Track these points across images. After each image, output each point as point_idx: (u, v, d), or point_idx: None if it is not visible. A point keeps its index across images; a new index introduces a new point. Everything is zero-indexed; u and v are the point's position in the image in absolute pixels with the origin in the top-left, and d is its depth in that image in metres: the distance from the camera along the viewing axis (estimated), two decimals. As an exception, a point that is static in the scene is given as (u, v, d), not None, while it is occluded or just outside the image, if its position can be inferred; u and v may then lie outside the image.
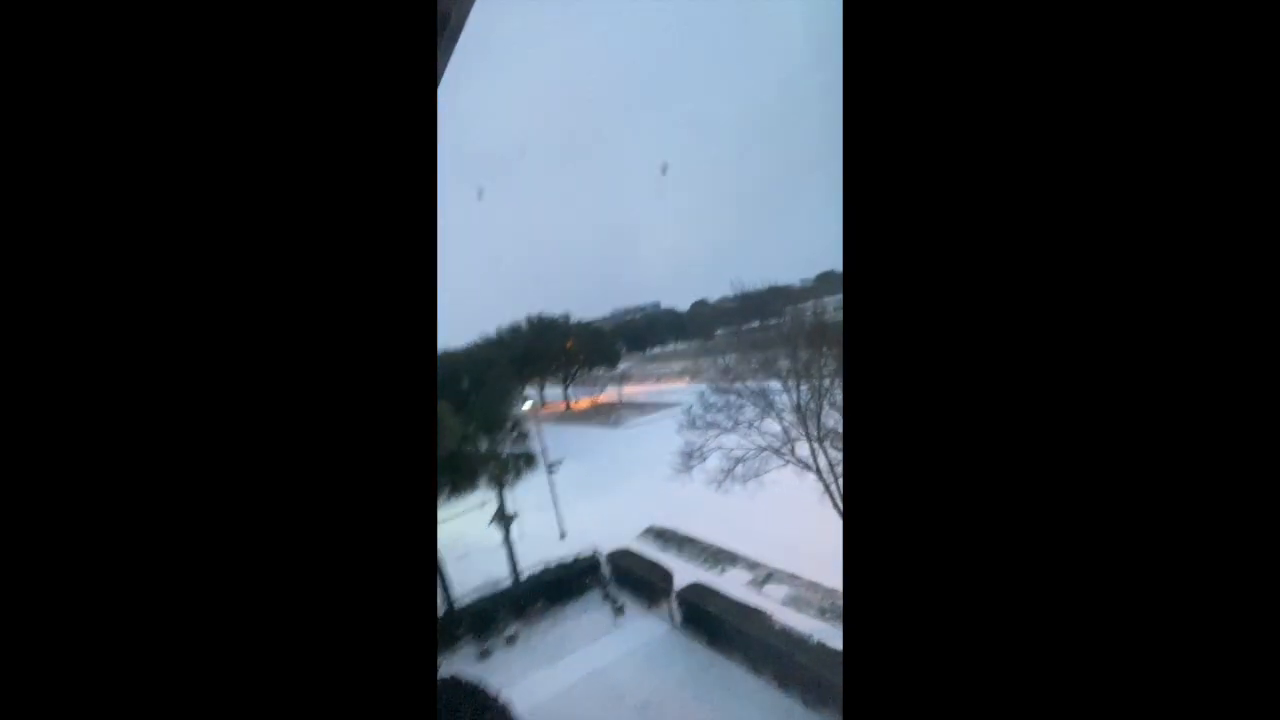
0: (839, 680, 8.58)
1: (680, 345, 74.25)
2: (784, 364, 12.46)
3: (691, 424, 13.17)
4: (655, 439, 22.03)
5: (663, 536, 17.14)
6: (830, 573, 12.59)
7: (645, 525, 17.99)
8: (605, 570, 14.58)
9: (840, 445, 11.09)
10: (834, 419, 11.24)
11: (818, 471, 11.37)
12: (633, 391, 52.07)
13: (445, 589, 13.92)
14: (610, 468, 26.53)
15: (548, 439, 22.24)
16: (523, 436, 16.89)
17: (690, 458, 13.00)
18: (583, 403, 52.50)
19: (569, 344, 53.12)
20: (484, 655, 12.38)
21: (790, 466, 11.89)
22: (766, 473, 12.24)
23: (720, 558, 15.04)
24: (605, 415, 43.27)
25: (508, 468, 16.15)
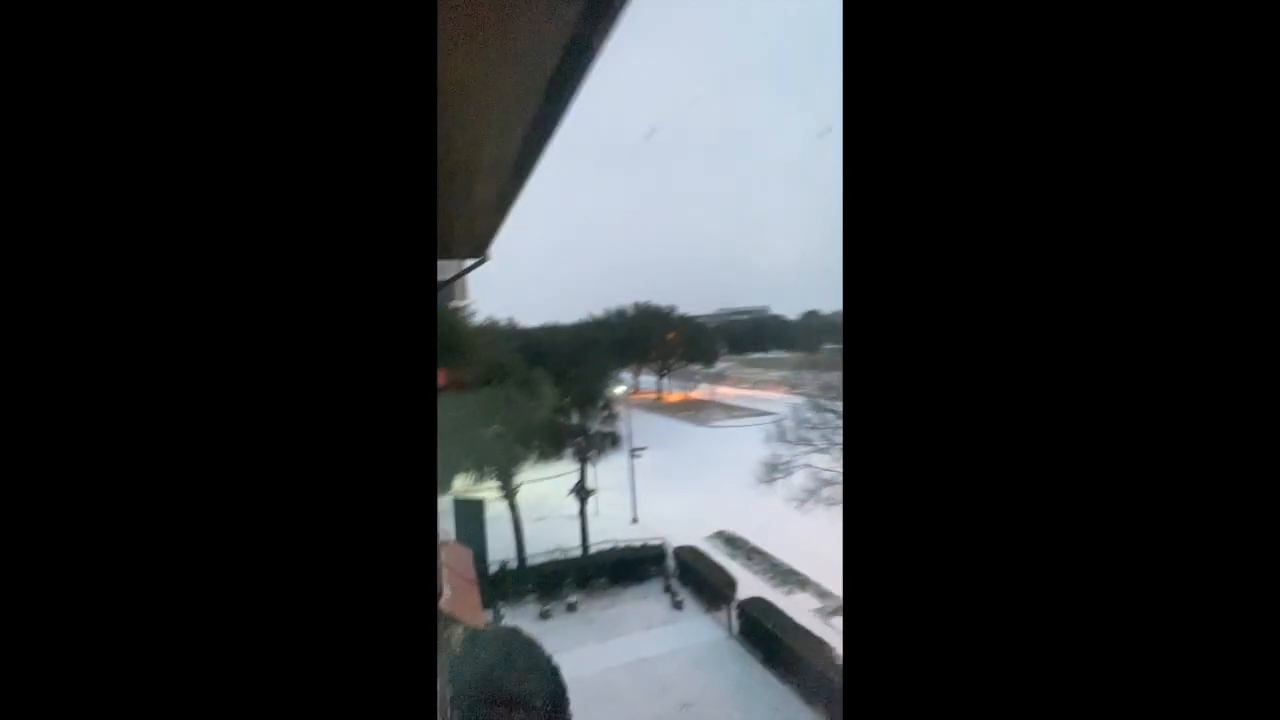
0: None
1: (783, 354, 71.94)
2: (894, 391, 11.64)
3: (781, 436, 12.76)
4: (741, 444, 21.61)
5: (732, 543, 16.83)
6: (908, 621, 11.65)
7: (716, 528, 17.77)
8: (670, 563, 14.62)
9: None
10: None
11: (913, 511, 10.54)
12: (726, 393, 51.38)
13: (520, 545, 14.72)
14: (692, 464, 26.44)
15: (635, 424, 22.61)
16: (612, 417, 17.33)
17: (775, 470, 12.63)
18: (675, 395, 52.70)
19: (671, 336, 53.43)
20: (544, 615, 12.96)
21: (882, 500, 11.13)
22: (855, 501, 11.57)
23: (790, 578, 14.49)
24: (695, 411, 43.11)
25: (594, 444, 16.65)
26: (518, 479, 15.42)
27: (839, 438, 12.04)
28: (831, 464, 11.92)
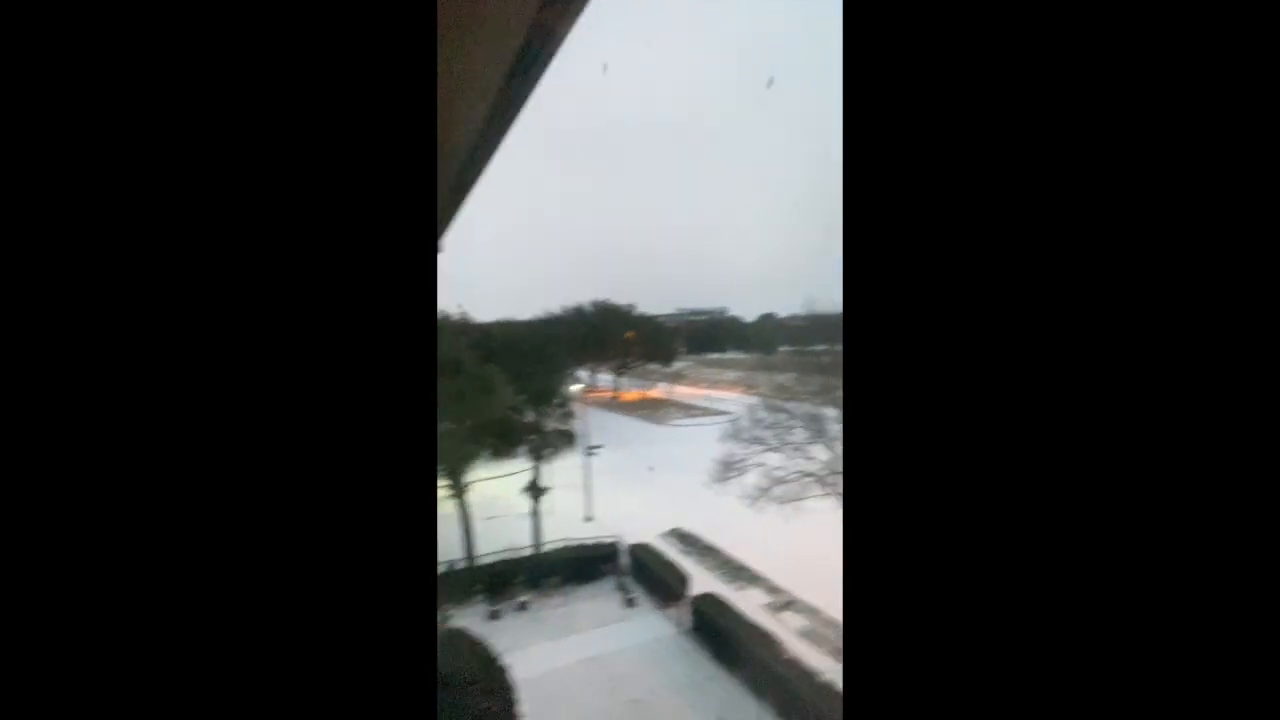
0: (841, 726, 8.26)
1: (739, 355, 73.26)
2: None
3: (737, 435, 12.96)
4: (697, 443, 21.86)
5: (686, 540, 17.02)
6: (852, 615, 12.08)
7: (670, 525, 17.92)
8: (624, 560, 14.65)
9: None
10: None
11: (859, 509, 10.93)
12: (683, 392, 51.92)
13: (469, 544, 14.41)
14: (647, 462, 26.58)
15: (591, 422, 22.53)
16: (568, 415, 17.20)
17: (729, 468, 12.82)
18: (632, 394, 52.85)
19: (629, 335, 53.55)
20: (494, 616, 12.74)
21: (832, 498, 11.49)
22: (805, 499, 11.89)
23: (741, 574, 14.77)
24: (652, 410, 43.38)
25: (549, 442, 16.48)
26: (469, 477, 15.08)
27: (791, 437, 12.34)
28: (784, 463, 12.20)
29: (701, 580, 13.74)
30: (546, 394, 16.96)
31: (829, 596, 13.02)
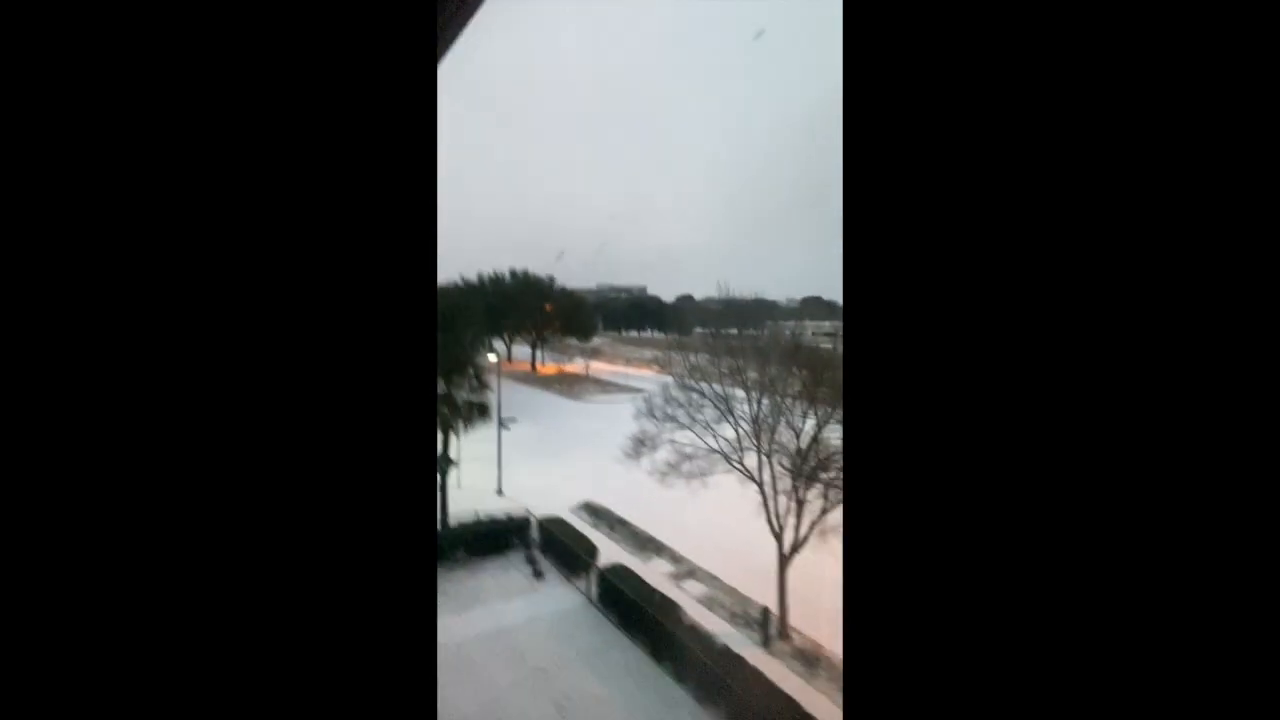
0: (733, 682, 8.88)
1: (656, 334, 74.37)
2: (752, 375, 12.63)
3: (650, 412, 13.27)
4: (611, 419, 22.12)
5: (597, 513, 17.30)
6: (751, 582, 12.93)
7: (582, 499, 18.12)
8: (534, 533, 14.66)
9: (787, 464, 11.36)
10: (787, 436, 11.49)
11: (759, 484, 11.63)
12: (600, 369, 52.03)
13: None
14: (561, 437, 26.53)
15: (506, 394, 22.07)
16: (482, 387, 16.72)
17: (642, 444, 13.13)
18: (549, 368, 52.21)
19: (548, 307, 52.60)
20: (395, 591, 12.34)
21: (736, 474, 12.13)
22: (711, 475, 12.46)
23: (648, 545, 15.29)
24: (568, 385, 43.16)
25: (460, 414, 15.98)
26: (372, 448, 14.32)
27: (701, 415, 12.81)
28: (693, 439, 12.67)
29: (610, 552, 14.06)
30: (459, 364, 16.37)
31: (728, 566, 13.82)
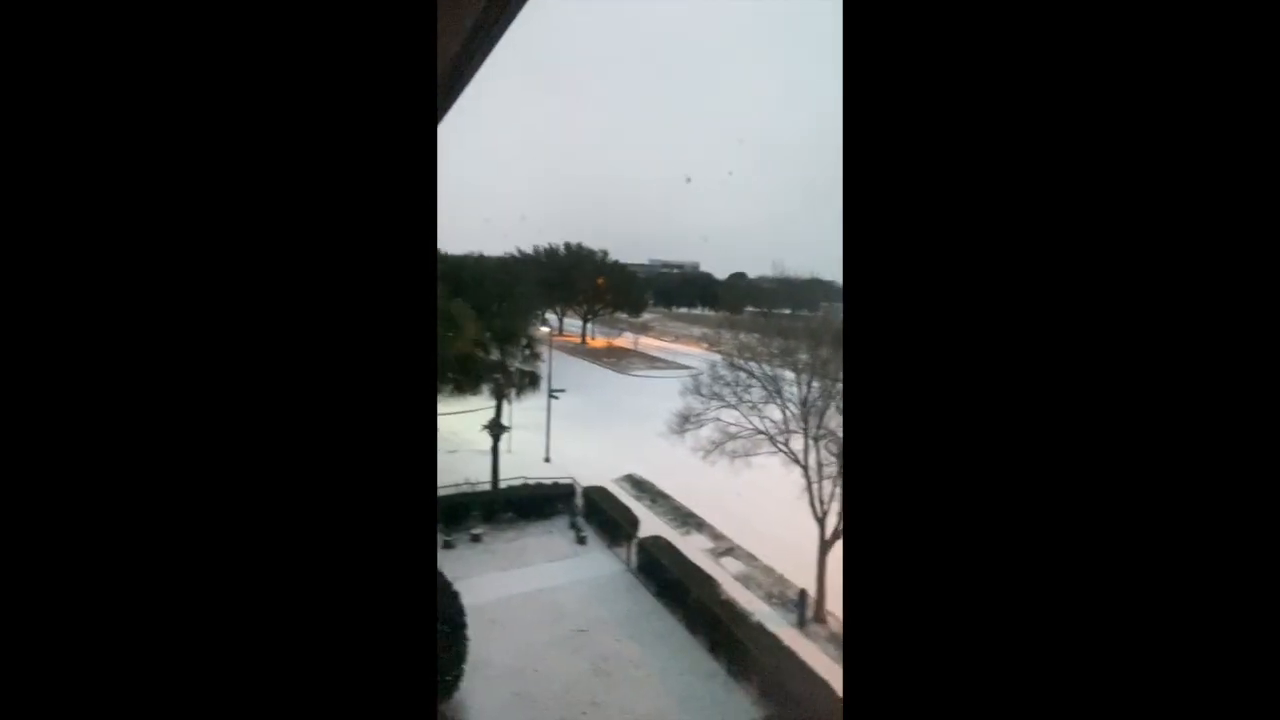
0: (764, 659, 8.98)
1: (707, 312, 73.61)
2: (803, 357, 12.39)
3: (696, 389, 13.28)
4: (658, 394, 22.26)
5: (639, 485, 17.60)
6: (788, 563, 12.92)
7: (625, 471, 18.45)
8: (578, 501, 15.10)
9: (835, 449, 11.16)
10: (836, 421, 11.26)
11: (805, 468, 11.49)
12: (648, 344, 52.15)
13: (426, 476, 14.52)
14: (608, 409, 26.95)
15: (556, 366, 22.55)
16: (534, 357, 17.16)
17: (686, 421, 13.19)
18: (598, 341, 52.78)
19: (600, 281, 52.88)
20: (448, 546, 13.06)
21: (781, 456, 12.03)
22: (755, 455, 12.41)
23: (689, 520, 15.47)
24: (617, 359, 43.56)
25: (512, 382, 16.49)
26: (429, 410, 15.02)
27: (748, 395, 12.71)
28: (739, 419, 12.62)
29: (651, 524, 14.34)
30: (513, 333, 16.82)
31: (767, 546, 13.83)
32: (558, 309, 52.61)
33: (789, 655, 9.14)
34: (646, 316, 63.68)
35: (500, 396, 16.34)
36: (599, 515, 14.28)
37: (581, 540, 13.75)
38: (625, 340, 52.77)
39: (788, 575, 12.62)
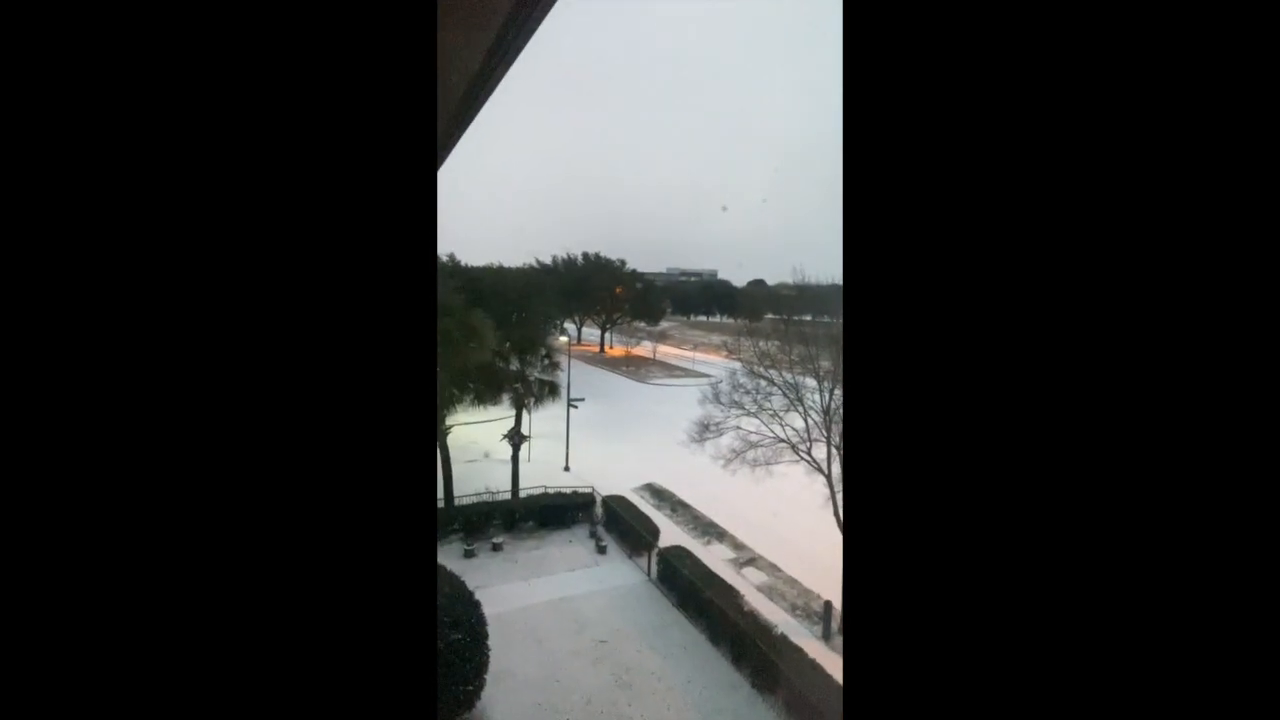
0: (790, 672, 8.81)
1: (726, 319, 73.35)
2: (825, 364, 12.24)
3: (716, 398, 13.20)
4: (677, 403, 22.18)
5: (659, 495, 17.51)
6: (813, 574, 12.70)
7: (645, 480, 18.38)
8: (598, 510, 15.08)
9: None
10: (859, 430, 11.05)
11: (828, 477, 11.31)
12: (667, 352, 52.10)
13: (448, 486, 14.68)
14: (627, 418, 26.94)
15: (575, 375, 22.65)
16: (553, 366, 17.25)
17: (706, 429, 13.10)
18: (617, 350, 52.91)
19: (618, 290, 53.12)
20: (469, 554, 13.13)
21: (803, 465, 11.86)
22: (777, 464, 12.26)
23: (710, 530, 15.32)
24: (635, 368, 43.59)
25: (532, 391, 16.60)
26: (451, 420, 15.22)
27: (769, 403, 12.59)
28: (760, 428, 12.49)
29: (671, 533, 14.24)
30: (532, 343, 16.96)
31: (790, 556, 13.61)
32: (576, 318, 52.94)
33: (814, 668, 8.96)
34: (665, 325, 63.70)
35: (520, 406, 16.44)
36: (619, 524, 14.23)
37: (602, 550, 13.70)
38: (644, 349, 52.82)
39: (812, 587, 12.39)
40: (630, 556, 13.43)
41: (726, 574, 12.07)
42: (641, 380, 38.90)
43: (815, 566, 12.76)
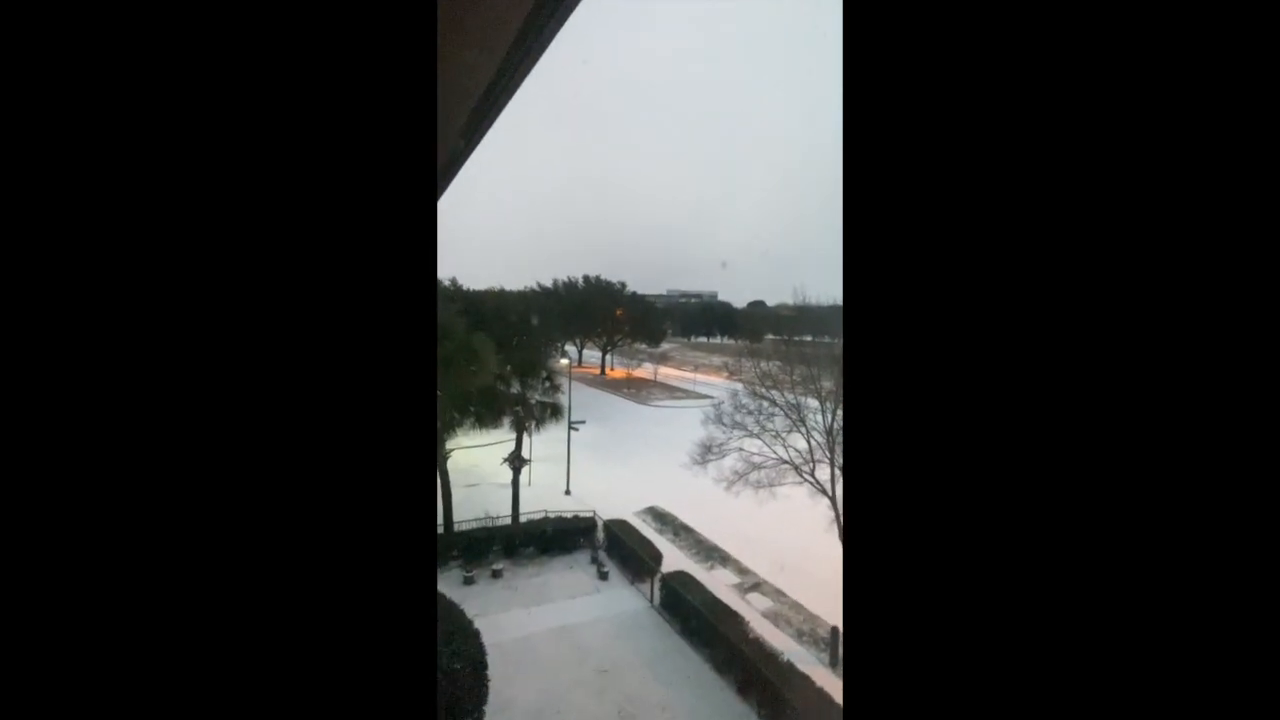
0: (798, 701, 8.56)
1: (726, 341, 73.49)
2: (826, 384, 12.20)
3: (718, 419, 13.12)
4: (679, 424, 22.07)
5: (661, 518, 17.29)
6: (818, 598, 12.45)
7: (647, 504, 18.18)
8: (600, 535, 14.87)
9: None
10: (863, 451, 10.96)
11: (832, 499, 11.18)
12: (668, 374, 52.08)
13: (448, 511, 14.51)
14: (629, 440, 26.78)
15: (576, 398, 22.59)
16: (554, 389, 17.21)
17: (708, 451, 12.99)
18: (618, 372, 52.90)
19: (619, 312, 53.36)
20: (468, 581, 12.91)
21: (806, 486, 11.73)
22: (780, 485, 12.13)
23: (713, 554, 15.09)
24: (636, 389, 43.51)
25: (533, 414, 16.53)
26: (451, 444, 15.12)
27: (772, 424, 12.51)
28: (762, 449, 12.39)
29: (674, 558, 14.02)
30: (534, 366, 16.95)
31: (795, 580, 13.38)
32: (577, 341, 53.07)
33: (822, 697, 8.71)
34: (666, 346, 63.85)
35: (521, 429, 16.36)
36: (621, 549, 14.02)
37: (604, 576, 13.47)
38: (645, 370, 52.80)
39: (818, 612, 12.14)
40: (633, 582, 13.19)
41: (731, 599, 11.84)
42: (643, 402, 38.79)
43: (821, 591, 12.52)
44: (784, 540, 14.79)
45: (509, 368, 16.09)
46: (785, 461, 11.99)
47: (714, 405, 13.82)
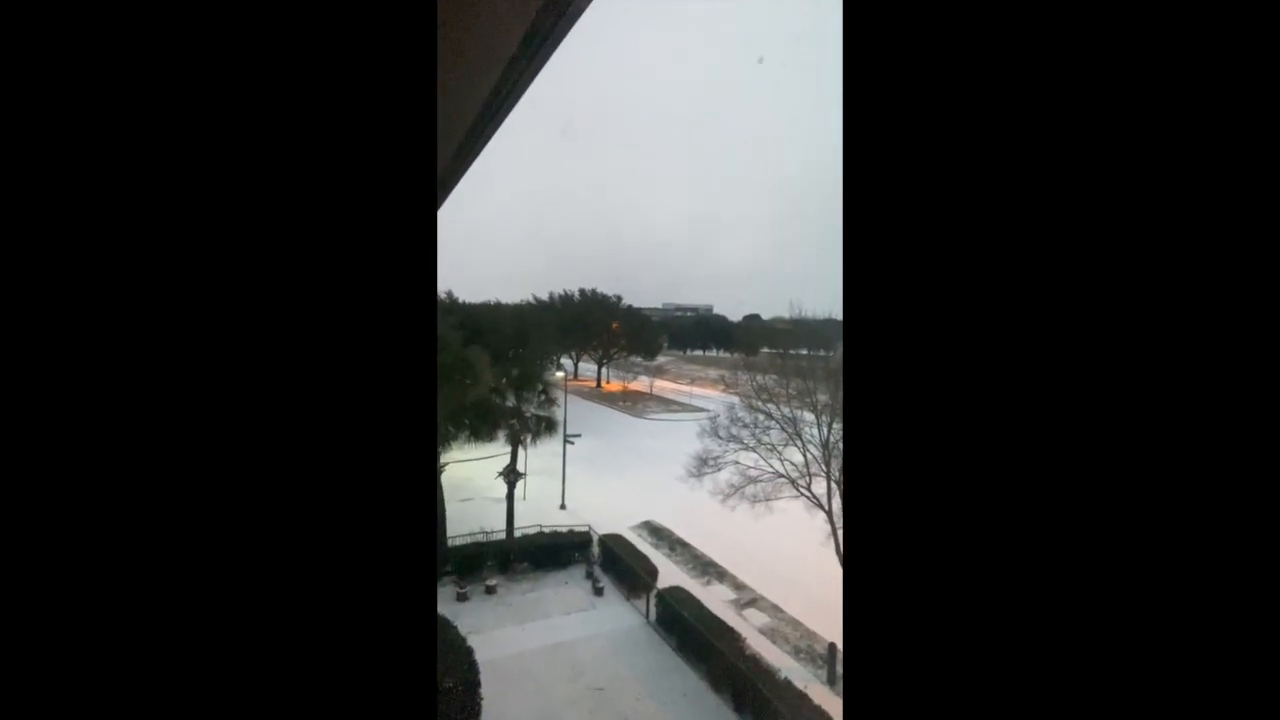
0: (794, 719, 8.45)
1: (722, 354, 73.61)
2: (822, 398, 12.21)
3: (714, 432, 13.09)
4: (674, 438, 22.01)
5: (657, 533, 17.16)
6: (815, 615, 12.34)
7: (643, 518, 18.05)
8: (595, 550, 14.73)
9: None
10: (858, 465, 10.95)
11: (829, 513, 11.13)
12: (664, 387, 52.05)
13: (441, 525, 14.36)
14: (624, 453, 26.66)
15: (572, 411, 22.51)
16: (549, 402, 17.15)
17: (704, 464, 12.95)
18: (614, 385, 52.83)
19: (615, 325, 53.45)
20: (461, 598, 12.74)
21: (803, 500, 11.69)
22: (776, 499, 12.08)
23: (709, 569, 14.96)
24: (632, 403, 43.45)
25: (528, 427, 16.45)
26: (445, 458, 15.01)
27: (767, 437, 12.49)
28: (758, 463, 12.36)
29: (670, 573, 13.89)
30: (529, 379, 16.90)
31: (791, 595, 13.27)
32: (573, 354, 53.05)
33: (820, 715, 8.60)
34: (662, 359, 63.90)
35: (516, 443, 16.26)
36: (616, 565, 13.88)
37: (599, 591, 13.33)
38: (640, 384, 52.77)
39: (815, 628, 12.03)
40: (628, 598, 13.05)
41: (727, 616, 11.72)
42: (638, 415, 38.70)
43: (818, 606, 12.42)
44: (780, 555, 14.69)
45: (504, 381, 16.05)
46: (781, 475, 11.95)
47: (710, 418, 13.79)
